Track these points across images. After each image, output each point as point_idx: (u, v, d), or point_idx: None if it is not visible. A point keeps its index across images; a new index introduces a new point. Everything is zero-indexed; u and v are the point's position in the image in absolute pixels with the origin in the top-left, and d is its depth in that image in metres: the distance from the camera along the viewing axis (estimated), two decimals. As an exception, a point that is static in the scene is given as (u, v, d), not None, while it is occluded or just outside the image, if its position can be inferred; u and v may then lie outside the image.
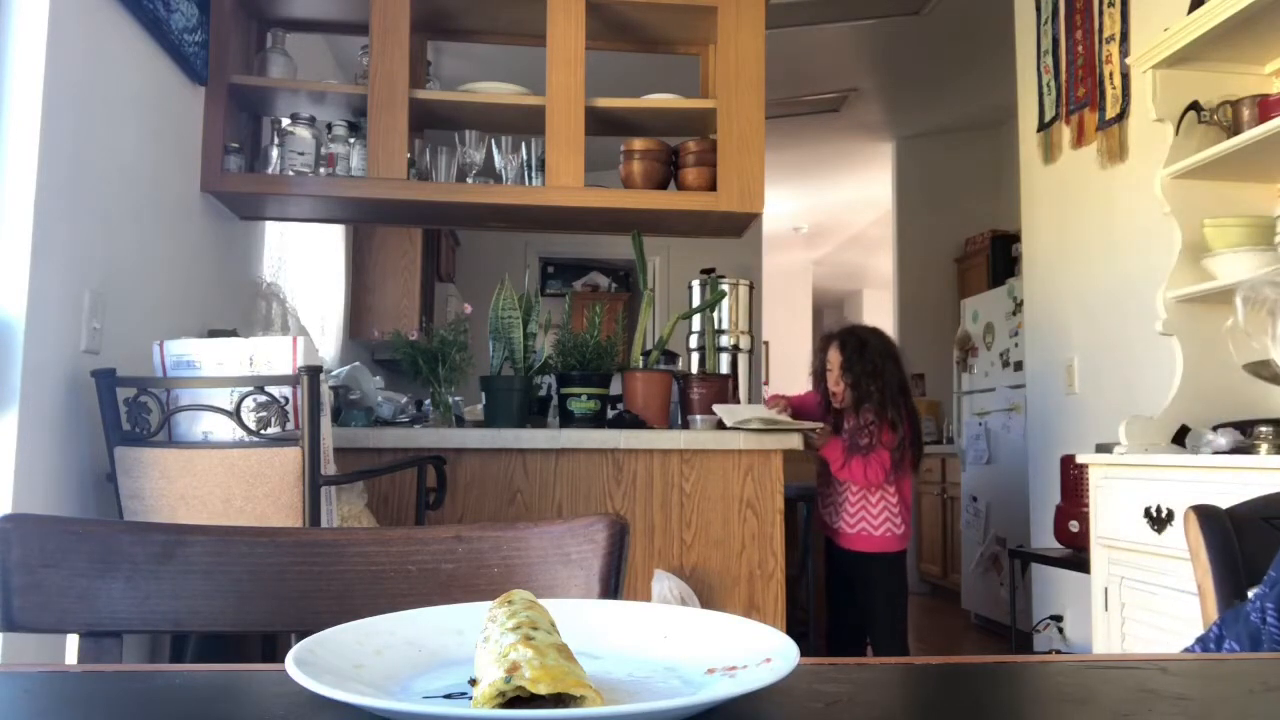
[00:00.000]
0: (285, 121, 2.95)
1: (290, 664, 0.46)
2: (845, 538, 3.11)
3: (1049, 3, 3.60)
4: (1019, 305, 4.56)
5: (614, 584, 0.82)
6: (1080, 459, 2.68)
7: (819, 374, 3.18)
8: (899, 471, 3.05)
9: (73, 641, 0.83)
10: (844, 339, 3.13)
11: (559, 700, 0.43)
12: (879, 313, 9.59)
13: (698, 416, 2.80)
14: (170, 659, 2.19)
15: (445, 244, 6.01)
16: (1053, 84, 3.58)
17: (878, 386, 3.02)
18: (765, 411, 2.80)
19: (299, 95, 2.94)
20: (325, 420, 1.94)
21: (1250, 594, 0.99)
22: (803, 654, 0.49)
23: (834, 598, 3.27)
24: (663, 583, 2.57)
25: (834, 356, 3.11)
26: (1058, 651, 3.40)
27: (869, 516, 3.07)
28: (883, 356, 3.07)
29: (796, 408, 3.34)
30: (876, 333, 3.20)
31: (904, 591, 3.20)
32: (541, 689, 0.43)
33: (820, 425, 3.08)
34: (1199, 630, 1.04)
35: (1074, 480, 3.20)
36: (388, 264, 5.11)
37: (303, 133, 2.88)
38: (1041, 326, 3.74)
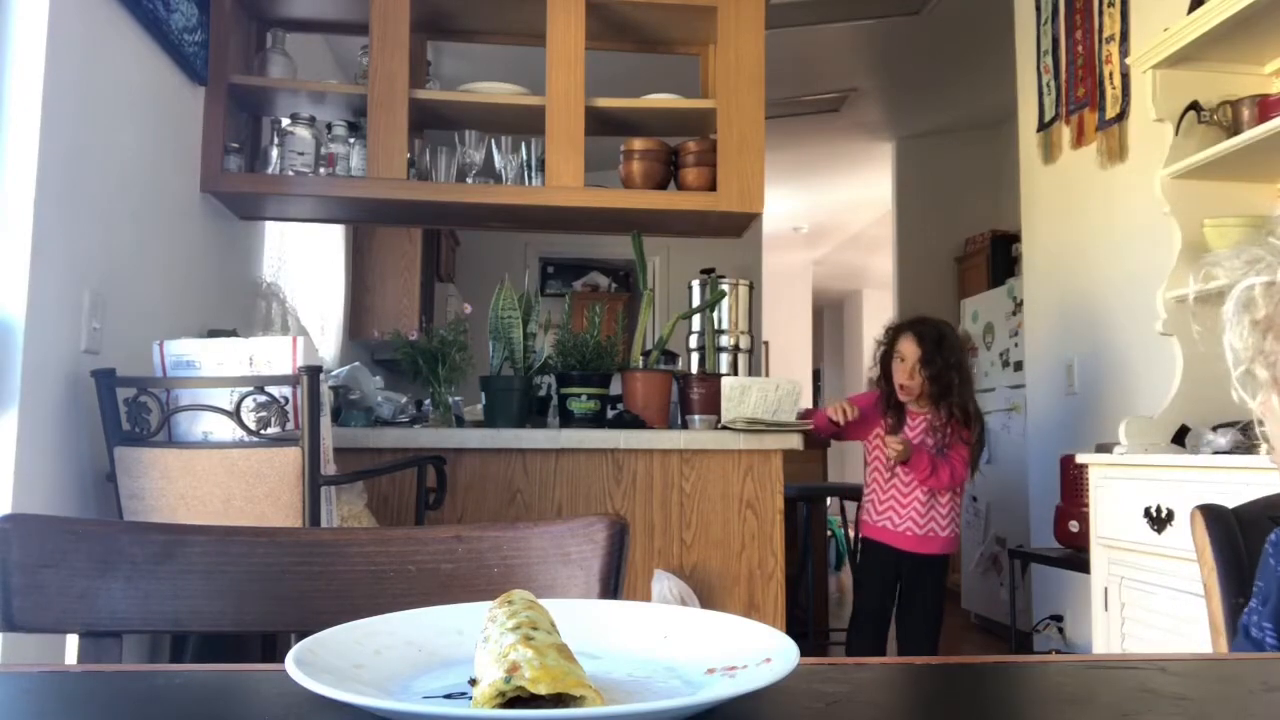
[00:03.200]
0: (285, 121, 2.95)
1: (290, 664, 0.46)
2: (912, 540, 2.92)
3: (1049, 3, 3.60)
4: (1019, 305, 4.56)
5: (614, 584, 0.82)
6: (1080, 459, 2.68)
7: (883, 366, 2.98)
8: (974, 469, 2.95)
9: (73, 641, 0.83)
10: (920, 330, 2.91)
11: (559, 700, 0.43)
12: (879, 313, 9.60)
13: (697, 416, 2.80)
14: (170, 659, 2.19)
15: (445, 244, 6.01)
16: (1053, 84, 3.58)
17: (960, 379, 2.86)
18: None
19: (299, 95, 2.94)
20: (325, 420, 1.94)
21: (1249, 604, 1.00)
22: (803, 654, 0.49)
23: (868, 599, 3.04)
24: (663, 583, 2.57)
25: (909, 348, 2.89)
26: (1058, 651, 3.40)
27: (938, 518, 2.92)
28: (960, 350, 2.92)
29: (861, 408, 3.10)
30: (949, 325, 3.04)
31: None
32: (541, 689, 0.43)
33: (900, 438, 2.87)
34: (1199, 630, 1.05)
35: (1074, 480, 3.20)
36: (388, 264, 5.10)
37: (302, 133, 2.88)
38: (1041, 326, 3.74)
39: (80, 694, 0.52)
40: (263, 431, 1.88)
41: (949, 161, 6.38)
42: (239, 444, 1.89)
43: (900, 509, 2.94)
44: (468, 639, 0.52)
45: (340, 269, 4.79)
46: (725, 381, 2.75)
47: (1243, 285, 0.81)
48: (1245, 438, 2.25)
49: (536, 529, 0.85)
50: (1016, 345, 4.68)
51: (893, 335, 2.96)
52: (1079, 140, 3.41)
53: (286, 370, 1.93)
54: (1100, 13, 3.28)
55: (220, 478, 1.87)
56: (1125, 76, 3.13)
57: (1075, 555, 3.16)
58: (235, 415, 1.88)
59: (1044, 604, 3.68)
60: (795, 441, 2.69)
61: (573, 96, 2.90)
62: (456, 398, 2.82)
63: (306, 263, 4.03)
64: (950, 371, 2.84)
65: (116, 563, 0.81)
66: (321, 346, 4.33)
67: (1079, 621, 3.33)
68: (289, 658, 0.47)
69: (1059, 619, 3.52)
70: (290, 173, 2.85)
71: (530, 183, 2.99)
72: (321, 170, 2.89)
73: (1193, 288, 0.91)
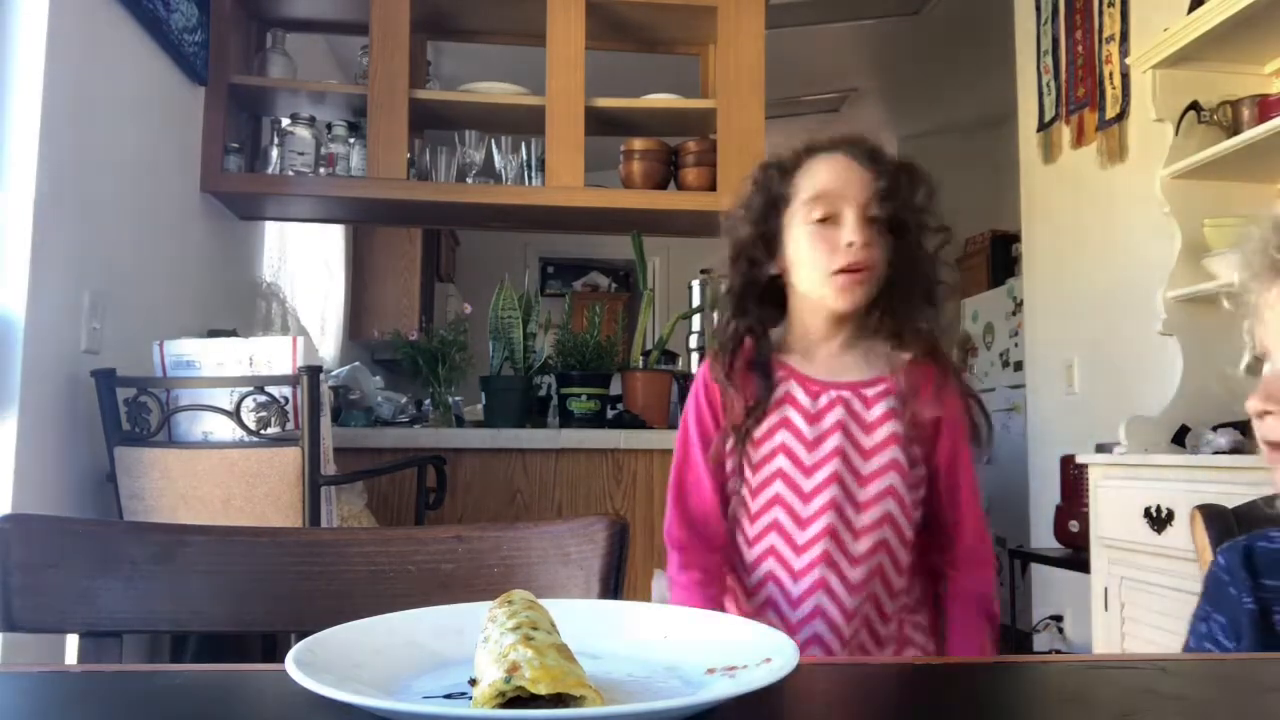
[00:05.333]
0: (285, 121, 2.96)
1: (290, 664, 0.46)
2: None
3: (1049, 3, 3.60)
4: (1019, 305, 4.56)
5: (614, 584, 0.82)
6: (1080, 459, 2.68)
7: (753, 249, 1.27)
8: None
9: (73, 641, 0.83)
10: (866, 147, 1.32)
11: (559, 700, 0.43)
12: (879, 313, 9.56)
13: (698, 416, 2.79)
14: (170, 659, 2.19)
15: (445, 244, 6.01)
16: (1053, 84, 3.58)
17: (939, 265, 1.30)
18: None
19: (299, 95, 2.94)
20: (325, 420, 1.94)
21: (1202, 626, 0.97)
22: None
23: None
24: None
25: (846, 173, 1.26)
26: (1058, 651, 3.40)
27: (908, 602, 1.27)
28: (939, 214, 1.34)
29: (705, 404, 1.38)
30: None
31: None
32: (541, 689, 0.43)
33: None
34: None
35: (1074, 480, 3.20)
36: (388, 264, 5.11)
37: (303, 133, 2.88)
38: (1041, 326, 3.74)
39: (80, 694, 0.52)
40: (263, 431, 1.88)
41: (949, 161, 6.35)
42: (239, 444, 1.89)
43: (841, 592, 1.21)
44: (468, 639, 0.52)
45: (340, 269, 4.78)
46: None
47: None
48: (1245, 438, 2.25)
49: (536, 529, 0.85)
50: (1016, 345, 4.67)
51: (797, 161, 1.29)
52: (1079, 140, 3.41)
53: (286, 370, 1.93)
54: (1100, 13, 3.28)
55: (220, 478, 1.87)
56: (1125, 76, 3.13)
57: (1075, 555, 3.16)
58: (235, 415, 1.88)
59: (1044, 604, 3.68)
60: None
61: (573, 96, 2.89)
62: (456, 398, 2.82)
63: (306, 263, 4.03)
64: (920, 246, 1.28)
65: (116, 563, 0.81)
66: (321, 346, 4.33)
67: (1079, 621, 3.33)
68: (289, 658, 0.47)
69: (1059, 619, 3.52)
70: (290, 173, 2.85)
71: (530, 183, 2.99)
72: (321, 170, 2.89)
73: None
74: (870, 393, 1.25)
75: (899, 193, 1.28)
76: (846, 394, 1.24)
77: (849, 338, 1.27)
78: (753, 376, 1.25)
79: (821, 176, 1.26)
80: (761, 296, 1.28)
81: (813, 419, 1.24)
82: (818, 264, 1.22)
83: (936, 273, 1.29)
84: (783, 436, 1.24)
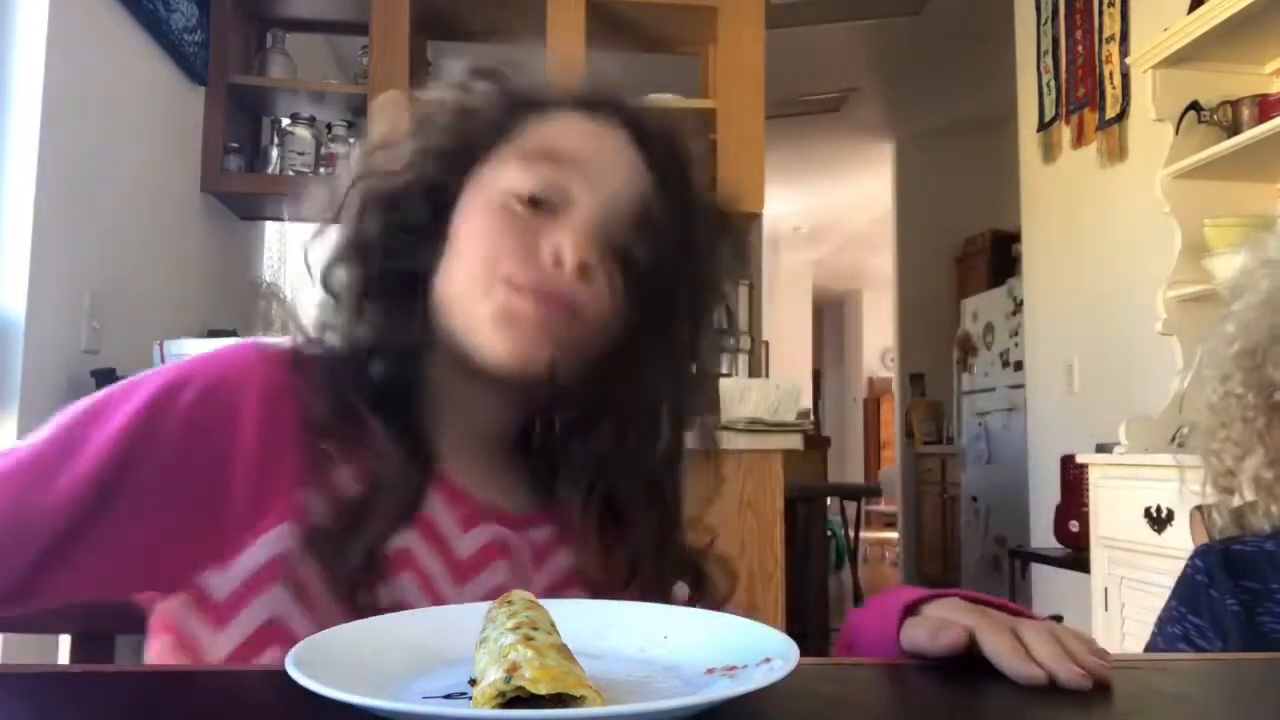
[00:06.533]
0: (285, 121, 2.96)
1: (290, 664, 0.45)
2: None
3: (1049, 3, 3.61)
4: (1019, 305, 4.57)
5: (614, 584, 0.81)
6: (1080, 459, 2.68)
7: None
8: None
9: (65, 641, 0.83)
10: (647, 127, 0.77)
11: (559, 700, 0.43)
12: (879, 313, 9.60)
13: (698, 416, 2.79)
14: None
15: (445, 244, 6.01)
16: (1053, 84, 3.58)
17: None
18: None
19: (299, 95, 2.95)
20: (325, 420, 1.94)
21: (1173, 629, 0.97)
22: (802, 654, 0.49)
23: None
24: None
25: (612, 143, 0.74)
26: (1058, 651, 3.40)
27: None
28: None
29: None
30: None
31: None
32: (541, 689, 0.43)
33: None
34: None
35: (1074, 480, 3.20)
36: (388, 264, 5.10)
37: (302, 133, 2.88)
38: (1041, 326, 3.74)
39: (79, 694, 0.52)
40: (263, 431, 1.88)
41: (949, 161, 6.37)
42: (239, 444, 1.89)
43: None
44: (468, 639, 0.52)
45: (340, 269, 4.78)
46: (725, 383, 2.74)
47: None
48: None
49: (536, 529, 0.84)
50: (1016, 345, 4.68)
51: (506, 113, 0.77)
52: (1079, 140, 3.41)
53: (286, 370, 1.93)
54: (1100, 13, 3.28)
55: (220, 478, 1.87)
56: (1125, 76, 3.13)
57: (1075, 555, 3.16)
58: (235, 415, 1.87)
59: (1044, 604, 3.68)
60: (796, 442, 2.68)
61: (573, 96, 2.89)
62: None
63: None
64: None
65: (116, 563, 0.81)
66: (321, 346, 4.33)
67: (1079, 621, 3.33)
68: (289, 658, 0.46)
69: (1059, 619, 3.52)
70: (290, 173, 2.85)
71: (530, 183, 2.99)
72: (321, 170, 2.89)
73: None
74: (539, 535, 0.73)
75: (682, 218, 0.75)
76: (507, 532, 0.71)
77: (518, 434, 0.76)
78: (366, 443, 0.66)
79: (557, 131, 0.73)
80: (406, 301, 0.72)
81: (461, 569, 0.68)
82: (491, 260, 0.68)
83: (707, 376, 0.80)
84: (405, 587, 0.65)
